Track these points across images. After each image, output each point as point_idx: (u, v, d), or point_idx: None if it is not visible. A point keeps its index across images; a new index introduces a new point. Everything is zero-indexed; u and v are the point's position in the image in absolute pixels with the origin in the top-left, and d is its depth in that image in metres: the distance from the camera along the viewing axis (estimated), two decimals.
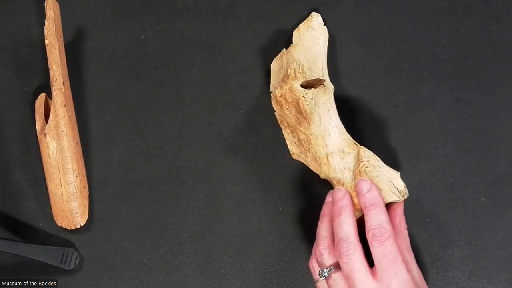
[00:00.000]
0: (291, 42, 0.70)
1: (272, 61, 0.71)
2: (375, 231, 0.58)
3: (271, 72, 0.70)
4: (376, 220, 0.58)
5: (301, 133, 0.64)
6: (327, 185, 0.68)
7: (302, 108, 0.63)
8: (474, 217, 0.67)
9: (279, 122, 0.66)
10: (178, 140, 0.71)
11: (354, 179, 0.61)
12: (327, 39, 0.70)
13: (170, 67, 0.73)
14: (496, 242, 0.67)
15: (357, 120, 0.70)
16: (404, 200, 0.62)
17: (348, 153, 0.63)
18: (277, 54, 0.71)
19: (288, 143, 0.66)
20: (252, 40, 0.73)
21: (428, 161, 0.69)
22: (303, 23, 0.71)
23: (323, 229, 0.62)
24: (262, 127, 0.71)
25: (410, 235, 0.66)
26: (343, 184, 0.62)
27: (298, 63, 0.65)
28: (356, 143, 0.64)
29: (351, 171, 0.62)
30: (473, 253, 0.67)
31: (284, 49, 0.69)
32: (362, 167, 0.61)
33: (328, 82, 0.66)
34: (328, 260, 0.60)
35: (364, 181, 0.60)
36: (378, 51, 0.72)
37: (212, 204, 0.70)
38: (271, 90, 0.69)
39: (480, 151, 0.69)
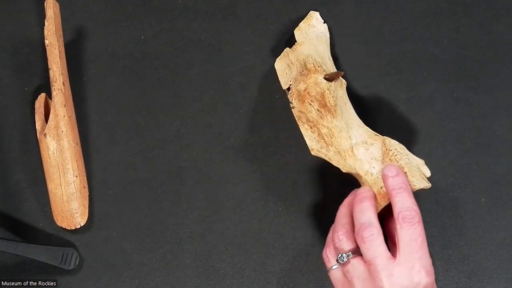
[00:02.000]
0: (293, 42, 0.70)
1: (274, 61, 0.71)
2: (405, 213, 0.57)
3: (278, 71, 0.69)
4: (406, 202, 0.58)
5: (322, 127, 0.63)
6: (327, 185, 0.68)
7: (327, 101, 0.63)
8: (474, 217, 0.67)
9: (296, 118, 0.65)
10: (178, 140, 0.71)
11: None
12: (329, 36, 0.70)
13: (170, 67, 0.73)
14: (496, 242, 0.67)
15: None
16: None
17: (371, 144, 0.63)
18: (278, 54, 0.71)
19: (306, 139, 0.65)
20: (252, 40, 0.73)
21: (428, 161, 0.68)
22: (303, 21, 0.71)
23: (342, 216, 0.61)
24: (262, 127, 0.71)
25: None
26: (371, 175, 0.62)
27: (312, 57, 0.65)
28: (377, 134, 0.64)
29: (378, 161, 0.62)
30: (473, 253, 0.67)
31: (288, 48, 0.69)
32: (392, 156, 0.61)
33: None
34: (347, 246, 0.59)
35: (392, 166, 0.60)
36: (378, 51, 0.72)
37: (212, 204, 0.70)
38: (284, 87, 0.68)
39: (480, 151, 0.69)
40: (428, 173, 0.62)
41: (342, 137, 0.63)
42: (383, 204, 0.61)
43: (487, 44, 0.71)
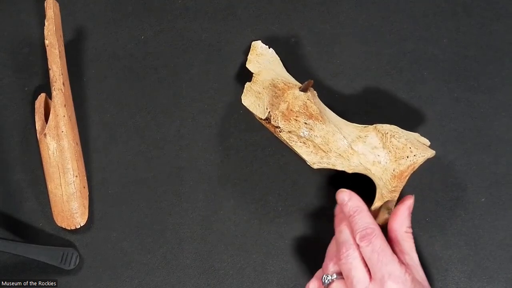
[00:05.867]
0: (247, 73, 0.70)
1: (247, 96, 0.68)
2: (362, 233, 0.59)
3: (249, 107, 0.67)
4: (362, 223, 0.60)
5: (316, 137, 0.63)
6: (327, 185, 0.68)
7: (311, 110, 0.63)
8: (474, 217, 0.67)
9: (287, 141, 0.65)
10: (178, 140, 0.71)
11: (390, 152, 0.62)
12: (278, 58, 0.71)
13: (170, 67, 0.73)
14: (496, 242, 0.67)
15: (357, 120, 0.69)
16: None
17: (365, 136, 0.63)
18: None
19: (304, 156, 0.64)
20: (252, 40, 0.73)
21: (428, 161, 0.69)
22: (250, 54, 0.71)
23: (332, 245, 0.63)
24: (262, 127, 0.71)
25: None
26: (379, 163, 0.62)
27: (278, 78, 0.66)
28: (365, 125, 0.64)
29: (380, 149, 0.62)
30: (473, 253, 0.67)
31: (248, 82, 0.69)
32: (390, 137, 0.62)
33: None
34: (333, 269, 0.61)
35: (341, 192, 0.62)
36: (378, 51, 0.72)
37: (212, 204, 0.70)
38: (263, 117, 0.66)
39: (480, 151, 0.69)
40: (427, 142, 0.64)
41: (337, 140, 0.63)
42: (401, 185, 0.62)
43: (487, 44, 0.71)
